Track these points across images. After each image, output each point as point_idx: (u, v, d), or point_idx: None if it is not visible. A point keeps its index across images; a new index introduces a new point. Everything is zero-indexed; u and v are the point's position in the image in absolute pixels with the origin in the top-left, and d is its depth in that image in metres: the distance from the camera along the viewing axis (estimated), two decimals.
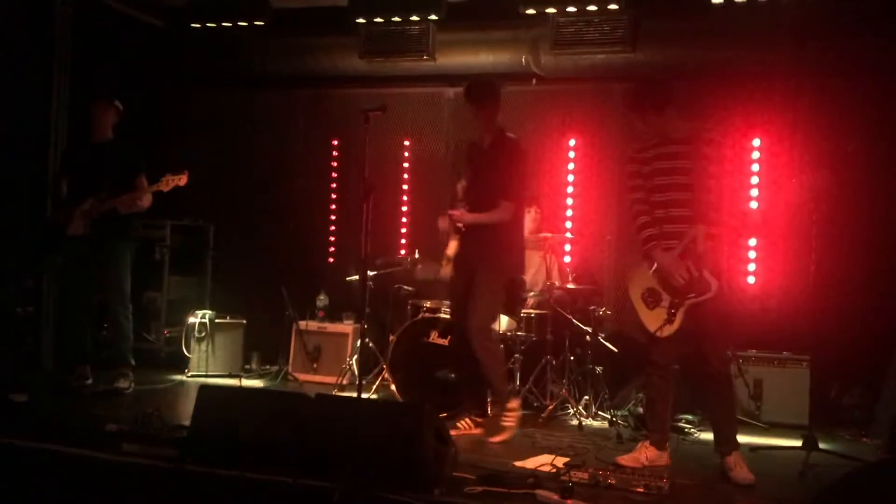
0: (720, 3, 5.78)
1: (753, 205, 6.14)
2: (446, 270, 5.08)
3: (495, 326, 5.23)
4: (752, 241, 6.16)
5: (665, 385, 4.33)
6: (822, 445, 4.59)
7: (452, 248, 5.03)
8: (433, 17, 6.45)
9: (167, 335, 7.03)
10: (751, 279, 6.22)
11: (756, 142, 6.22)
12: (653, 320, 4.26)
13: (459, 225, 4.94)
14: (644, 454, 4.28)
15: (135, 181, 5.71)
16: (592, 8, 6.08)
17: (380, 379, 6.13)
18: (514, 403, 4.95)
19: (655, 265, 4.25)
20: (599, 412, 5.58)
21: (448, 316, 5.71)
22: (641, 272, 4.35)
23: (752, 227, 6.03)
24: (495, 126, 4.97)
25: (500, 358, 5.05)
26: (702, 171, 4.17)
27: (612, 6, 6.04)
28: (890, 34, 5.67)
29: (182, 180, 5.63)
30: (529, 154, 5.17)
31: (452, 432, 4.27)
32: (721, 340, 4.36)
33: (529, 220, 6.35)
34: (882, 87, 5.88)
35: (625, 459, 4.23)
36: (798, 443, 4.63)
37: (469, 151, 5.15)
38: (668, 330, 4.19)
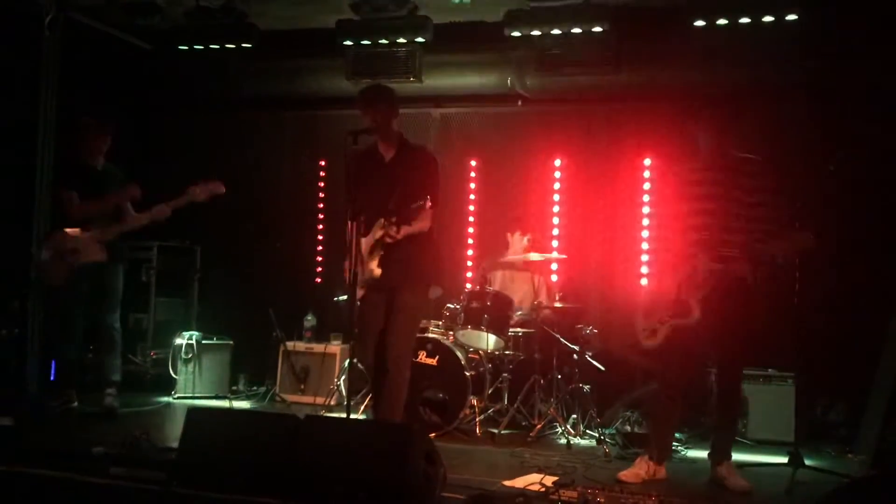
0: (702, 26, 5.87)
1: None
2: (362, 292, 4.62)
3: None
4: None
5: (673, 405, 4.43)
6: (807, 462, 4.62)
7: (375, 267, 4.49)
8: (420, 39, 6.50)
9: (154, 357, 7.00)
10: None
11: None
12: (641, 327, 4.47)
13: (389, 241, 4.44)
14: (644, 469, 4.33)
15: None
16: (577, 30, 6.16)
17: (368, 399, 6.12)
18: None
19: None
20: (587, 431, 5.60)
21: (435, 335, 5.74)
22: (647, 286, 4.52)
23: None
24: (395, 134, 4.67)
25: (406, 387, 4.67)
26: (732, 202, 4.26)
27: (597, 29, 6.11)
28: (870, 54, 5.77)
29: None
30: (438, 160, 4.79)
31: None
32: (738, 359, 4.50)
33: (520, 245, 6.39)
34: (863, 106, 5.97)
35: (626, 475, 4.28)
36: (784, 459, 4.66)
37: (359, 162, 4.69)
38: (649, 341, 4.39)
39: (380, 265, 4.47)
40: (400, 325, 4.52)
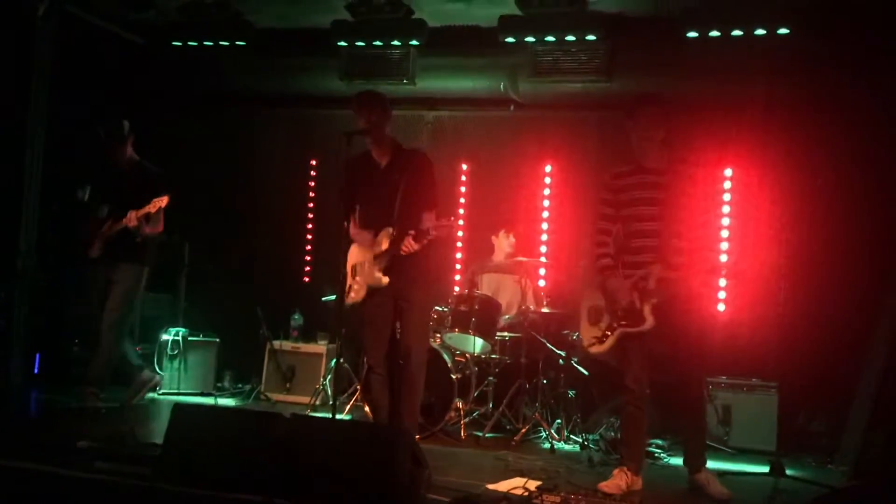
0: (695, 37, 5.91)
1: (724, 233, 6.26)
2: (359, 296, 4.68)
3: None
4: (723, 262, 6.25)
5: (639, 413, 4.39)
6: (789, 471, 4.66)
7: (382, 276, 4.56)
8: (414, 42, 6.52)
9: (139, 352, 6.96)
10: (721, 307, 6.32)
11: (728, 172, 6.36)
12: (588, 334, 4.49)
13: (405, 252, 4.47)
14: (623, 480, 4.31)
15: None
16: (570, 38, 6.20)
17: (354, 399, 6.13)
18: None
19: (604, 288, 4.38)
20: (571, 436, 5.62)
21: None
22: (595, 289, 4.49)
23: (718, 270, 6.12)
24: (388, 139, 4.70)
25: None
26: (675, 206, 4.25)
27: (590, 37, 6.15)
28: (858, 68, 5.83)
29: (164, 202, 5.67)
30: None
31: None
32: (699, 367, 4.46)
33: (506, 244, 6.43)
34: (851, 120, 6.03)
35: (607, 486, 4.25)
36: (766, 469, 4.70)
37: (353, 169, 4.70)
38: (596, 349, 4.41)
39: (386, 273, 4.53)
40: (416, 326, 4.60)
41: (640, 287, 4.24)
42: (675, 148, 4.44)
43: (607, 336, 4.36)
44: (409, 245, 4.42)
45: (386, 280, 4.54)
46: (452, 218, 4.42)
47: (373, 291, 4.61)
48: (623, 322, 4.29)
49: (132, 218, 5.64)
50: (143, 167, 5.94)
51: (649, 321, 4.21)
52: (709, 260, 4.25)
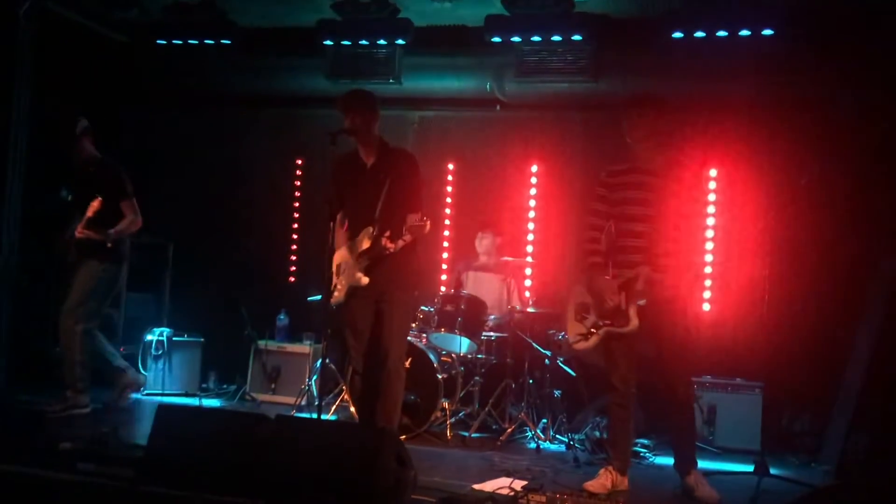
0: (680, 38, 5.94)
1: (709, 233, 6.29)
2: (341, 295, 4.63)
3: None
4: (708, 269, 6.28)
5: (625, 413, 4.40)
6: (773, 471, 4.68)
7: (362, 276, 4.50)
8: (400, 41, 6.51)
9: (123, 352, 6.91)
10: (706, 306, 6.34)
11: (712, 172, 6.38)
12: (573, 331, 4.47)
13: (387, 253, 4.43)
14: (609, 480, 4.31)
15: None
16: (556, 38, 6.21)
17: (339, 400, 6.12)
18: None
19: (591, 287, 4.39)
20: (557, 435, 5.63)
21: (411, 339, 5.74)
22: (582, 286, 4.49)
23: (703, 276, 6.15)
24: (375, 138, 4.65)
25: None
26: (666, 208, 4.25)
27: (576, 37, 6.17)
28: (842, 69, 5.87)
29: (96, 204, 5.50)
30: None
31: None
32: (685, 368, 4.46)
33: (488, 244, 6.43)
34: (835, 120, 6.07)
35: (592, 486, 4.25)
36: (750, 468, 4.72)
37: (340, 168, 4.69)
38: (581, 346, 4.41)
39: (367, 273, 4.49)
40: (396, 327, 4.54)
41: (628, 288, 4.25)
42: (671, 150, 4.43)
43: (592, 334, 4.36)
44: (386, 245, 4.37)
45: (366, 280, 4.49)
46: (425, 218, 4.33)
47: (354, 291, 4.57)
48: (608, 322, 4.29)
49: (80, 231, 5.49)
50: (102, 165, 5.73)
51: (634, 322, 4.21)
52: (695, 265, 4.25)
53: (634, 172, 4.36)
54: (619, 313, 4.25)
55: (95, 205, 5.45)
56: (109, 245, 5.57)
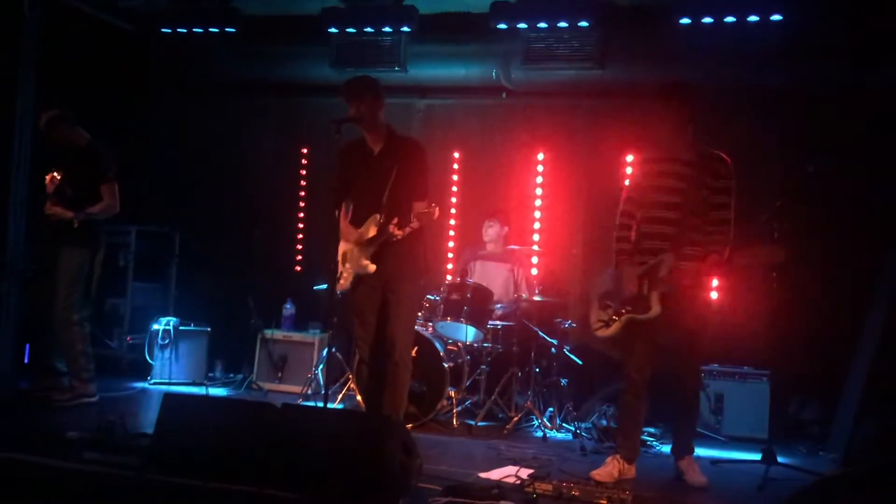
0: (687, 24, 5.89)
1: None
2: (347, 283, 4.59)
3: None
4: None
5: (638, 403, 4.41)
6: (780, 459, 4.67)
7: (369, 263, 4.46)
8: (406, 28, 6.48)
9: (130, 342, 6.95)
10: (713, 294, 6.30)
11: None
12: (595, 317, 4.49)
13: (395, 240, 4.39)
14: (616, 468, 4.32)
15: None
16: (563, 24, 6.17)
17: (346, 389, 6.12)
18: None
19: (615, 273, 4.40)
20: (564, 424, 5.63)
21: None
22: (608, 275, 4.50)
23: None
24: (382, 126, 4.59)
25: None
26: (697, 199, 4.24)
27: (583, 23, 6.13)
28: (849, 55, 5.82)
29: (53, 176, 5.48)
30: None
31: None
32: (696, 358, 4.50)
33: (494, 232, 6.41)
34: (844, 106, 6.02)
35: (599, 475, 4.26)
36: (758, 456, 4.71)
37: (348, 155, 4.62)
38: (602, 332, 4.42)
39: (373, 261, 4.46)
40: (403, 319, 4.51)
41: (651, 275, 4.24)
42: (705, 140, 4.41)
43: (614, 321, 4.36)
44: (394, 231, 4.34)
45: (373, 267, 4.46)
46: (433, 205, 4.32)
47: (360, 279, 4.55)
48: (629, 308, 4.29)
49: (49, 208, 5.43)
50: (88, 145, 5.66)
51: (655, 309, 4.21)
52: (718, 257, 4.23)
53: (668, 161, 4.35)
54: (640, 300, 4.25)
55: (52, 177, 5.40)
56: (76, 225, 5.45)
